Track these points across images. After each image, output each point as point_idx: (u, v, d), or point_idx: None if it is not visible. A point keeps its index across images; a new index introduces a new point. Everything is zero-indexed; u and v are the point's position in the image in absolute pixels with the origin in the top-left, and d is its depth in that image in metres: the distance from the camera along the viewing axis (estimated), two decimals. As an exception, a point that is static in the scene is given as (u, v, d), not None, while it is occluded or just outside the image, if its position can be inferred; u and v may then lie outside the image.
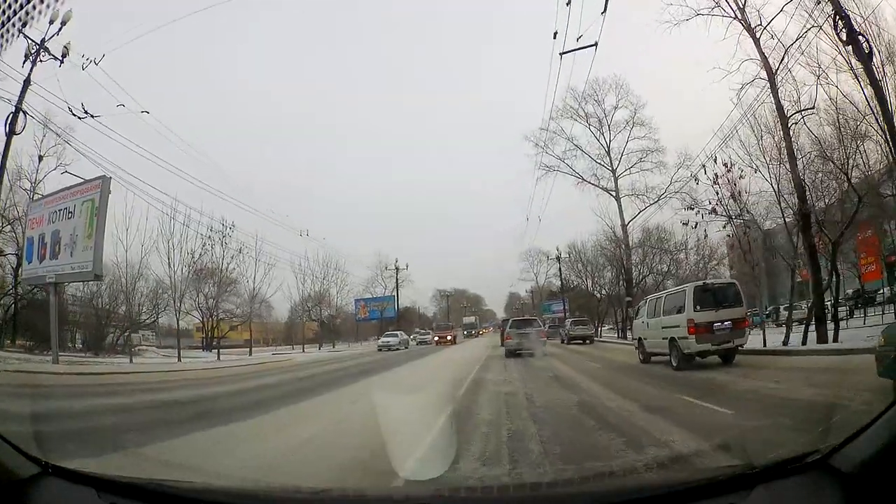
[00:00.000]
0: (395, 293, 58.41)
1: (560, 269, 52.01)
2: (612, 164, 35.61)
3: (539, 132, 36.13)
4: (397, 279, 57.81)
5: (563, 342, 33.07)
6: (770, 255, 28.38)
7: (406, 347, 42.42)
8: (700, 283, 14.57)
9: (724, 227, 23.37)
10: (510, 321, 27.10)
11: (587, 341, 31.90)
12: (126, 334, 32.81)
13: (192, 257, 32.11)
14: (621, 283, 38.73)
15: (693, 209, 24.80)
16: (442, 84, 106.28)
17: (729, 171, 20.79)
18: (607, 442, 5.95)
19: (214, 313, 39.51)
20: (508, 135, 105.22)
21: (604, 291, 44.14)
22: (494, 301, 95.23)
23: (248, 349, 40.08)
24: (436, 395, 9.27)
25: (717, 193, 21.52)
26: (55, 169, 26.34)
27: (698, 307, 12.75)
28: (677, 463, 4.05)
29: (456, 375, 14.09)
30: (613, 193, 35.23)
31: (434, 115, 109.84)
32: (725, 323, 12.49)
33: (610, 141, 35.66)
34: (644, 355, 15.42)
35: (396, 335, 43.61)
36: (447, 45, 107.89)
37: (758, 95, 19.36)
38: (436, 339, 47.04)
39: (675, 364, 12.97)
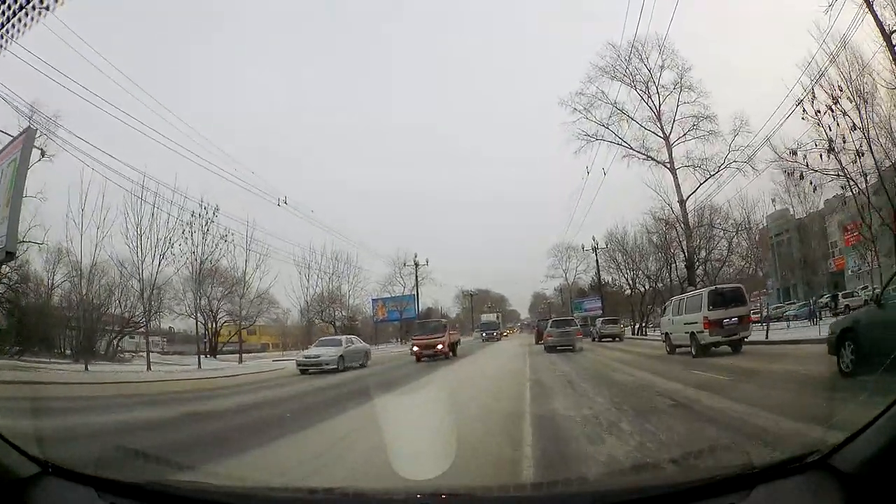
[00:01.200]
0: (415, 291, 51.99)
1: (597, 261, 46.92)
2: (663, 130, 29.55)
3: (576, 97, 30.55)
4: (417, 275, 51.35)
5: (593, 340, 32.86)
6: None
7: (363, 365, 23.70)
8: (713, 287, 17.54)
9: (840, 175, 19.20)
10: (550, 321, 30.22)
11: (617, 339, 32.81)
12: (117, 339, 29.18)
13: (169, 246, 26.24)
14: (675, 271, 34.23)
15: (796, 153, 20.60)
16: (469, 71, 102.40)
17: (836, 102, 17.99)
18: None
19: (212, 315, 34.79)
20: (537, 130, 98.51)
21: (647, 285, 39.72)
22: (519, 302, 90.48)
23: (263, 353, 35.66)
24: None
25: (829, 129, 18.46)
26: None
27: (711, 307, 15.38)
28: (677, 463, 4.07)
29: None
30: (667, 164, 29.32)
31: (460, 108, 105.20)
32: (733, 319, 15.10)
33: (660, 104, 29.50)
34: (671, 347, 17.88)
35: (338, 342, 24.26)
36: (474, 30, 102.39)
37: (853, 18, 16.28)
38: (414, 349, 25.77)
39: (693, 353, 15.62)
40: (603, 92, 30.50)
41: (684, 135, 29.44)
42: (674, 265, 35.35)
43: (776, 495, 1.87)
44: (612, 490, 2.52)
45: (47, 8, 2.70)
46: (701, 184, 28.65)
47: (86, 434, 6.82)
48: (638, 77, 29.95)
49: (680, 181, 29.69)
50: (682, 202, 28.81)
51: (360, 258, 55.76)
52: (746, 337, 15.90)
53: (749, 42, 58.36)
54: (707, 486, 2.02)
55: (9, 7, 2.68)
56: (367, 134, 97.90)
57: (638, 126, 30.13)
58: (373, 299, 52.39)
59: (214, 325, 36.40)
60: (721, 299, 15.67)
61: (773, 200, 28.96)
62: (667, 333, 18.79)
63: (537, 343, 32.68)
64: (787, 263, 39.86)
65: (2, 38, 2.80)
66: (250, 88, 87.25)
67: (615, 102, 30.23)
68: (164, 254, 26.54)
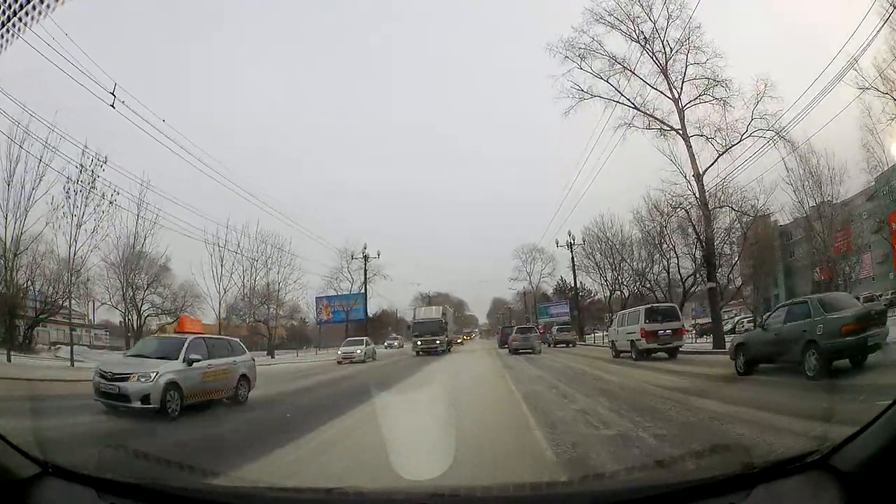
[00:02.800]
0: (363, 289, 42.95)
1: (573, 259, 40.50)
2: (672, 89, 23.06)
3: (568, 47, 23.46)
4: (366, 270, 42.30)
5: (549, 346, 34.18)
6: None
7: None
8: (649, 305, 20.13)
9: None
10: (515, 328, 33.79)
11: (570, 345, 34.32)
12: (30, 327, 24.99)
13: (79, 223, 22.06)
14: (673, 269, 30.16)
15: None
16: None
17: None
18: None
19: (136, 306, 30.02)
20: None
21: (630, 288, 35.83)
22: (478, 307, 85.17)
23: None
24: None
25: None
26: None
27: (647, 321, 18.04)
28: (677, 463, 4.06)
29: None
30: (678, 130, 22.79)
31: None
32: (667, 331, 17.83)
33: (667, 60, 23.26)
34: (615, 352, 20.58)
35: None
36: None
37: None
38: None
39: (634, 357, 18.27)
40: (599, 43, 24.22)
41: (699, 96, 23.04)
42: (672, 260, 30.70)
43: (776, 495, 1.84)
44: (612, 490, 2.51)
45: (48, 7, 2.63)
46: (721, 154, 22.44)
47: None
48: (641, 27, 23.42)
49: (685, 160, 23.23)
50: (698, 176, 22.65)
51: (301, 246, 46.33)
52: (680, 346, 18.39)
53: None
54: (707, 485, 1.98)
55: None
56: (357, 133, 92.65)
57: (641, 84, 23.60)
58: (317, 297, 44.03)
59: (139, 318, 31.47)
60: (656, 315, 18.39)
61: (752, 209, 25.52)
62: (613, 341, 21.72)
63: (501, 347, 35.41)
64: (768, 271, 33.71)
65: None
66: (249, 88, 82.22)
67: (613, 56, 23.87)
68: (78, 227, 22.18)
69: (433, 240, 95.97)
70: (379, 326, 51.17)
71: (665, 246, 31.04)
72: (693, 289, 30.08)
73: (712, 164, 22.93)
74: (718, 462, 3.38)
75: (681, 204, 24.85)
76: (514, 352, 28.32)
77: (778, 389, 9.19)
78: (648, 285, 34.25)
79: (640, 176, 65.43)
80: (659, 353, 18.31)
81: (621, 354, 20.18)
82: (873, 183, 24.47)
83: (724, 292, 27.62)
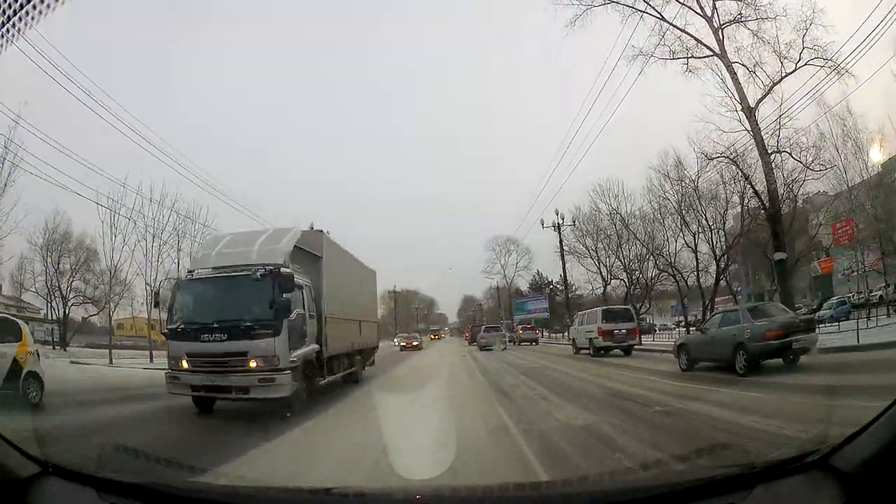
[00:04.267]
0: None
1: (560, 242, 33.31)
2: (702, 9, 17.37)
3: None
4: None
5: (515, 344, 34.93)
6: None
7: None
8: (605, 307, 21.27)
9: None
10: (483, 327, 35.87)
11: (533, 343, 35.32)
12: None
13: None
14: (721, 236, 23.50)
15: None
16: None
17: None
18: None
19: (60, 294, 27.13)
20: None
21: (633, 277, 29.48)
22: (448, 305, 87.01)
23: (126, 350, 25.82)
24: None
25: None
26: None
27: (604, 321, 19.11)
28: (677, 463, 4.04)
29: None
30: (717, 53, 17.57)
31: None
32: (622, 330, 19.00)
33: None
34: (576, 349, 21.62)
35: None
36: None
37: None
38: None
39: (592, 353, 19.23)
40: None
41: (738, 15, 17.31)
42: (696, 236, 24.52)
43: (776, 495, 1.80)
44: (612, 490, 2.44)
45: (48, 7, 2.48)
46: (775, 83, 17.14)
47: None
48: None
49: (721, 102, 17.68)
50: (749, 110, 17.10)
51: (225, 220, 34.55)
52: (634, 345, 19.54)
53: None
54: (707, 485, 1.94)
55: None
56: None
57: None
58: None
59: (65, 308, 28.05)
60: (612, 316, 19.49)
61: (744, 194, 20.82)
62: (573, 339, 22.85)
63: (470, 344, 38.08)
64: (759, 264, 29.20)
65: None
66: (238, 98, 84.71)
67: None
68: None
69: (405, 237, 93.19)
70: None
71: (696, 213, 23.98)
72: (726, 269, 24.92)
73: (766, 95, 17.43)
74: (718, 462, 3.41)
75: (727, 152, 18.63)
76: (482, 348, 30.02)
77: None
78: (662, 269, 27.43)
79: (648, 144, 60.89)
80: (615, 351, 19.15)
81: (581, 351, 21.02)
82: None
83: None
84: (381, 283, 54.65)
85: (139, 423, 7.69)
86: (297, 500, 2.51)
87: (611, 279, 31.72)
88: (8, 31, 2.53)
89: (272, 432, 6.26)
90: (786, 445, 4.18)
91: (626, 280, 30.36)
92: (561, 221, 32.71)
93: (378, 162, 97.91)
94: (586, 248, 32.48)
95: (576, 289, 39.43)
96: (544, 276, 52.51)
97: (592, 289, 34.38)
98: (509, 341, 33.79)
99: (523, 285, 54.68)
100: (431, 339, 59.37)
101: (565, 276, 35.73)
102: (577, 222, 32.50)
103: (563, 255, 33.99)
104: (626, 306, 22.57)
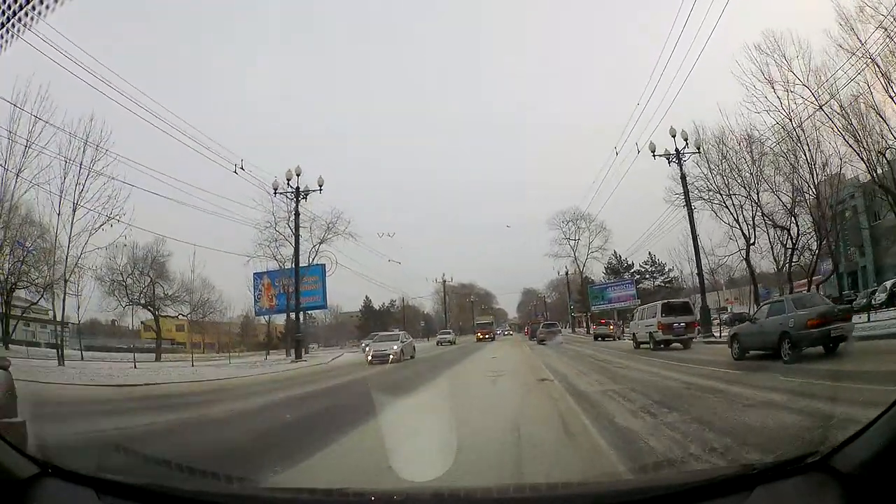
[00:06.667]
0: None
1: (683, 178, 23.17)
2: None
3: None
4: (297, 213, 25.20)
5: (600, 339, 32.79)
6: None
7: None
8: (665, 301, 21.58)
9: None
10: (542, 325, 38.15)
11: (609, 339, 33.10)
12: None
13: None
14: None
15: None
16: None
17: None
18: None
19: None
20: None
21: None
22: (506, 301, 77.34)
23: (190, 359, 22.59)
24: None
25: None
26: None
27: (664, 314, 19.71)
28: (677, 464, 4.05)
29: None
30: None
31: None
32: (681, 323, 19.34)
33: None
34: (636, 343, 22.00)
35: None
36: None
37: None
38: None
39: (652, 347, 19.56)
40: None
41: None
42: None
43: (776, 496, 1.80)
44: (612, 491, 2.44)
45: (47, 7, 2.45)
46: None
47: None
48: None
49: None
50: None
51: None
52: (693, 337, 19.84)
53: None
54: (707, 486, 1.95)
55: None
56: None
57: None
58: (256, 274, 29.87)
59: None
60: (671, 309, 19.98)
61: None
62: (633, 333, 23.31)
63: (531, 340, 39.48)
64: (853, 239, 25.48)
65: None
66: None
67: None
68: None
69: (458, 228, 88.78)
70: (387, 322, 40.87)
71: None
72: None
73: None
74: (718, 463, 3.29)
75: None
76: (541, 342, 32.55)
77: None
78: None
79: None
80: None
81: (641, 346, 21.44)
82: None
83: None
84: (435, 275, 51.89)
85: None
86: (297, 502, 2.53)
87: (754, 237, 21.60)
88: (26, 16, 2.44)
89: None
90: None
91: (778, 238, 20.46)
92: (684, 140, 22.47)
93: (439, 153, 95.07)
94: (716, 189, 21.74)
95: (669, 269, 34.55)
96: (622, 257, 42.55)
97: (726, 254, 23.86)
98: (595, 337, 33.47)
99: (597, 270, 44.79)
100: (479, 338, 42.31)
101: (693, 229, 23.92)
102: (701, 149, 22.27)
103: (687, 197, 22.71)
104: (685, 300, 22.58)
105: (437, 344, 36.71)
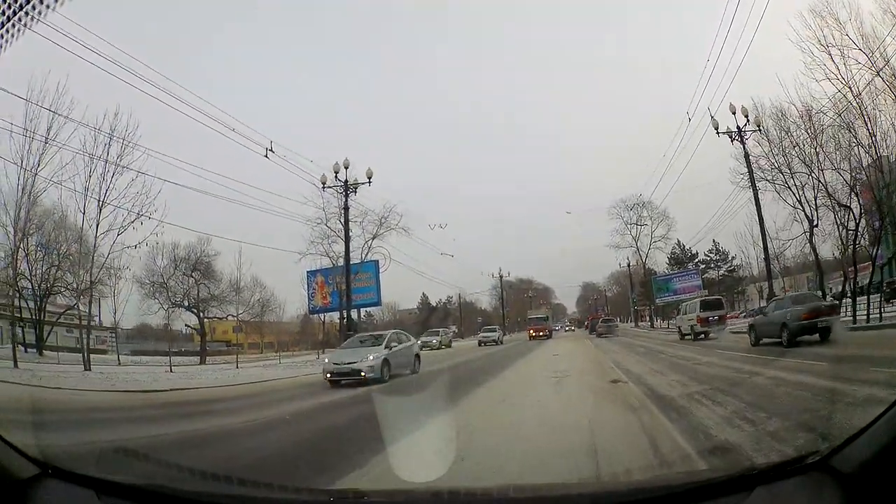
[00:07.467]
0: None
1: (747, 156, 21.60)
2: None
3: None
4: (347, 207, 24.02)
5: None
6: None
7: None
8: (703, 298, 24.65)
9: None
10: (600, 319, 40.37)
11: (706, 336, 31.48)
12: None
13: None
14: None
15: None
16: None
17: None
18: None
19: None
20: None
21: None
22: (565, 295, 75.38)
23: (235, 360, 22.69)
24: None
25: None
26: None
27: (702, 310, 22.45)
28: (677, 464, 4.03)
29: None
30: None
31: None
32: (714, 317, 22.34)
33: None
34: (681, 335, 24.55)
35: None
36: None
37: None
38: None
39: (693, 338, 22.31)
40: None
41: None
42: None
43: (776, 496, 1.80)
44: (612, 491, 2.49)
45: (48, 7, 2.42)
46: None
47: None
48: None
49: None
50: None
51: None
52: (723, 329, 22.44)
53: None
54: (707, 486, 1.95)
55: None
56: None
57: None
58: (309, 272, 28.75)
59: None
60: (708, 305, 23.00)
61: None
62: (679, 326, 26.31)
63: (590, 333, 41.67)
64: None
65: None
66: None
67: None
68: None
69: (514, 221, 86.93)
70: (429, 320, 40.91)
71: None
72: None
73: None
74: (718, 463, 3.32)
75: None
76: (599, 335, 35.92)
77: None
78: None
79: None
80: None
81: (685, 337, 24.13)
82: None
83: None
84: (491, 270, 50.34)
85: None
86: (297, 502, 2.61)
87: (817, 219, 19.69)
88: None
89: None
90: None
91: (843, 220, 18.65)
92: (746, 116, 21.35)
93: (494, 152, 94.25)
94: (777, 167, 20.36)
95: (732, 257, 32.75)
96: (686, 247, 40.52)
97: (788, 240, 22.14)
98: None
99: (660, 261, 41.72)
100: (532, 335, 38.23)
101: (760, 210, 22.21)
102: (762, 126, 21.16)
103: (752, 175, 21.47)
104: (719, 297, 26.31)
105: (479, 344, 31.04)
